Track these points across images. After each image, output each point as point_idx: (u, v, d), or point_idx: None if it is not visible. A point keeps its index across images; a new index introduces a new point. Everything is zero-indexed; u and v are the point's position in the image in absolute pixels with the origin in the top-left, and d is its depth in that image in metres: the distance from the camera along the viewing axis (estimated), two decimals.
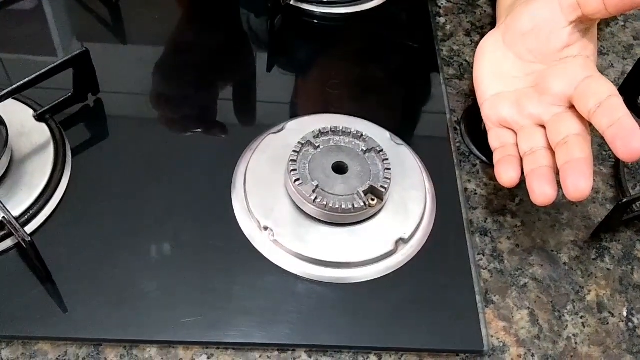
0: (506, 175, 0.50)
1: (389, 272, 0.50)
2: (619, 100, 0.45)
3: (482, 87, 0.54)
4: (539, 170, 0.48)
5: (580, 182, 0.45)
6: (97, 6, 0.67)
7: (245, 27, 0.69)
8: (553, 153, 0.49)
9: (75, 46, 0.65)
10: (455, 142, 0.59)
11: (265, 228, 0.50)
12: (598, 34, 0.71)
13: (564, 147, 0.47)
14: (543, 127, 0.50)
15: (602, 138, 0.60)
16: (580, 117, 0.48)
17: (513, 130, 0.52)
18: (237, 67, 0.65)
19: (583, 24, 0.49)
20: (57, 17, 0.67)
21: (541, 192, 0.47)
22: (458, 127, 0.61)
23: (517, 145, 0.51)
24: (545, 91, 0.50)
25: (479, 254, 0.53)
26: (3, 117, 0.51)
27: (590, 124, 0.47)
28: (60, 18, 0.67)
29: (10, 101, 0.52)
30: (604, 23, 0.71)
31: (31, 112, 0.55)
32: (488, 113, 0.53)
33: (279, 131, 0.56)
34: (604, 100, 0.45)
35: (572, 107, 0.49)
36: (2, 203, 0.48)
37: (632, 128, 0.43)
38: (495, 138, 0.53)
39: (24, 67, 0.61)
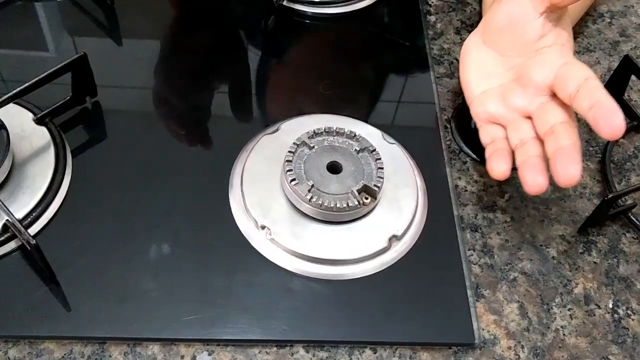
0: (497, 168, 0.51)
1: (383, 268, 0.52)
2: (597, 82, 0.46)
3: (470, 87, 0.55)
4: (529, 160, 0.49)
5: (570, 168, 0.46)
6: (92, 8, 0.68)
7: (238, 28, 0.70)
8: (542, 142, 0.50)
9: (70, 48, 0.66)
10: (445, 140, 0.61)
11: (263, 227, 0.52)
12: (584, 31, 0.72)
13: (552, 136, 0.48)
14: (530, 118, 0.51)
15: (589, 134, 0.62)
16: (564, 105, 0.49)
17: (502, 125, 0.53)
18: (231, 67, 0.66)
19: (553, 13, 0.51)
20: (50, 19, 0.68)
21: (533, 182, 0.48)
22: (448, 125, 0.62)
23: (507, 139, 0.52)
24: (527, 83, 0.51)
25: (469, 250, 0.54)
26: (3, 121, 0.52)
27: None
28: (54, 20, 0.68)
29: (9, 105, 0.53)
30: (591, 20, 0.72)
31: (30, 115, 0.56)
32: (477, 111, 0.55)
33: (274, 132, 0.57)
34: (582, 83, 0.46)
35: (555, 95, 0.50)
36: (5, 206, 0.49)
37: (611, 107, 0.45)
38: (486, 134, 0.54)
39: (18, 68, 0.62)
